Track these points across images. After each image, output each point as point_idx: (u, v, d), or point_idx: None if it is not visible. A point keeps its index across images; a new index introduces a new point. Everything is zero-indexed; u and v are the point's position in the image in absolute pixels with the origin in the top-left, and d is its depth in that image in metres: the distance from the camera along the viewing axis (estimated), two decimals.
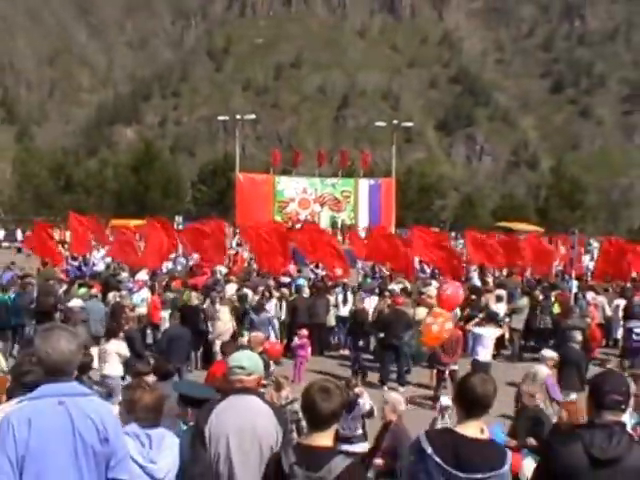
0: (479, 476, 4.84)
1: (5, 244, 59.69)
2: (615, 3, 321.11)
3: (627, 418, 8.30)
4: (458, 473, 4.84)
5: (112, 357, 14.39)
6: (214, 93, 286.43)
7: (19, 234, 59.88)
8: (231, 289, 23.73)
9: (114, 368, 14.44)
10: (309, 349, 19.65)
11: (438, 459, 4.87)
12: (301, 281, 25.85)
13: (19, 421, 4.49)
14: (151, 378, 9.71)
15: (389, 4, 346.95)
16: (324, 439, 4.80)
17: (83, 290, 22.02)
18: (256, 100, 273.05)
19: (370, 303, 22.42)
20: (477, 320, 18.53)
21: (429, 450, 4.92)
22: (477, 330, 17.58)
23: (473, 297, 23.37)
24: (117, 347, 14.60)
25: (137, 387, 6.09)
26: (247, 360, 5.92)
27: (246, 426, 5.54)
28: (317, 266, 33.83)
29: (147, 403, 5.87)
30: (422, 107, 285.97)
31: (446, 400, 11.00)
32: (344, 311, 23.09)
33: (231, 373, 5.82)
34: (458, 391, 5.31)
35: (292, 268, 30.77)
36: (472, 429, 5.04)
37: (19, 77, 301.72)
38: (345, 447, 9.77)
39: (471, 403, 5.10)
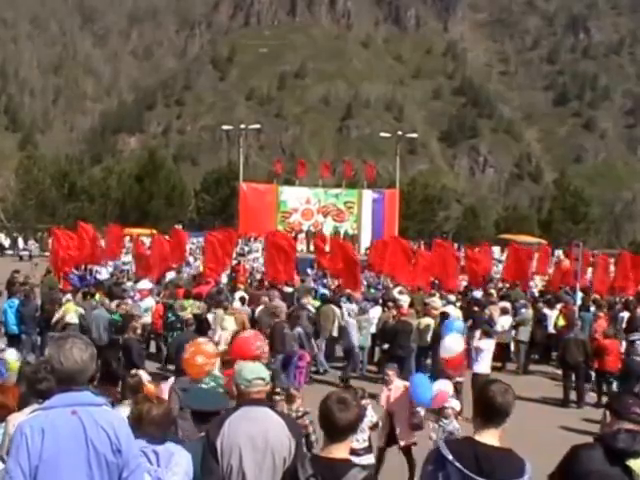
0: None
1: (10, 252, 59.64)
2: (620, 16, 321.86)
3: None
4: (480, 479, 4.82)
5: None
6: (218, 102, 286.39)
7: (21, 242, 59.80)
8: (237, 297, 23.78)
9: None
10: (308, 358, 19.54)
11: (459, 465, 4.83)
12: (323, 290, 25.68)
13: (32, 431, 4.47)
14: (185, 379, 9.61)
15: (394, 15, 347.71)
16: (340, 451, 4.79)
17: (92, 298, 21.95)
18: (260, 110, 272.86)
19: (374, 313, 22.43)
20: (478, 335, 18.46)
21: (450, 457, 4.87)
22: (475, 344, 17.57)
23: (476, 309, 23.33)
24: None
25: (144, 401, 6.02)
26: (264, 372, 5.95)
27: (259, 437, 5.53)
28: (324, 276, 33.72)
29: (154, 418, 5.81)
30: (426, 118, 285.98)
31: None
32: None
33: (251, 385, 5.80)
34: (478, 399, 5.27)
35: (295, 278, 30.67)
36: (491, 437, 5.02)
37: (23, 85, 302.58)
38: (352, 459, 9.72)
39: (491, 412, 5.06)
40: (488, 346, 17.46)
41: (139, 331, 17.28)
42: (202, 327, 19.71)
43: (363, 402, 10.91)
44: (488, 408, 5.07)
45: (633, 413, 5.23)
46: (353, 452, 10.23)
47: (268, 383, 5.92)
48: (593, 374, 19.61)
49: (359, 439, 10.45)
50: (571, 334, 19.62)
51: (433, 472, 4.97)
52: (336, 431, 4.76)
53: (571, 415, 17.90)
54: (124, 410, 6.79)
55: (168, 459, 5.69)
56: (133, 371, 10.58)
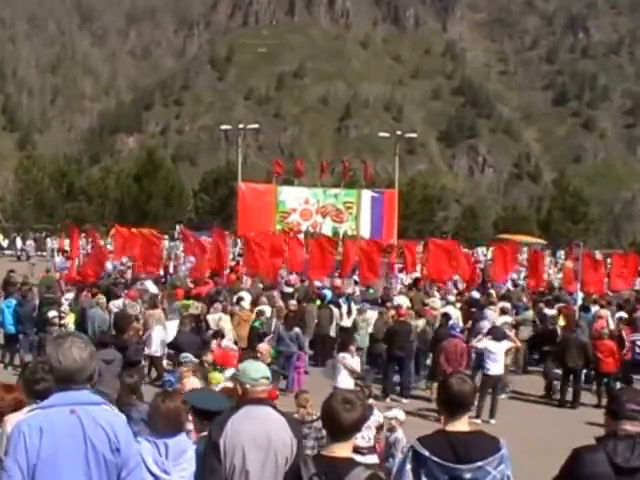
0: (480, 464, 4.93)
1: (8, 252, 59.56)
2: (619, 16, 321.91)
3: None
4: (460, 467, 4.92)
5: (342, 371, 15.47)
6: (216, 102, 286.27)
7: (19, 242, 59.73)
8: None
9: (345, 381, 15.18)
10: (306, 359, 19.55)
11: (437, 459, 4.93)
12: (326, 292, 25.61)
13: (30, 429, 4.44)
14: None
15: (393, 14, 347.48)
16: (343, 450, 4.81)
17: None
18: (258, 109, 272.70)
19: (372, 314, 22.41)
20: (481, 337, 18.43)
21: (426, 453, 4.97)
22: (483, 345, 17.50)
23: (473, 310, 23.28)
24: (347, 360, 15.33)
25: (159, 395, 6.24)
26: (267, 371, 5.96)
27: (261, 437, 5.52)
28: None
29: (165, 412, 5.97)
30: (425, 118, 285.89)
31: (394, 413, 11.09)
32: (347, 322, 22.91)
33: (257, 384, 5.79)
34: (439, 393, 5.45)
35: (294, 278, 30.58)
36: (460, 425, 5.16)
37: (21, 84, 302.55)
38: (356, 458, 9.62)
39: (453, 402, 5.20)
40: (498, 349, 17.43)
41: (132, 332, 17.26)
42: (200, 327, 19.70)
43: (369, 401, 10.91)
44: (450, 399, 5.22)
45: (629, 410, 5.21)
46: (356, 450, 10.19)
47: (271, 382, 5.93)
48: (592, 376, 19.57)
49: (365, 436, 10.40)
50: (573, 336, 19.55)
51: (414, 470, 5.02)
52: (341, 431, 4.78)
53: (570, 415, 17.90)
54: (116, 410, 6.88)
55: (178, 453, 5.84)
56: None
